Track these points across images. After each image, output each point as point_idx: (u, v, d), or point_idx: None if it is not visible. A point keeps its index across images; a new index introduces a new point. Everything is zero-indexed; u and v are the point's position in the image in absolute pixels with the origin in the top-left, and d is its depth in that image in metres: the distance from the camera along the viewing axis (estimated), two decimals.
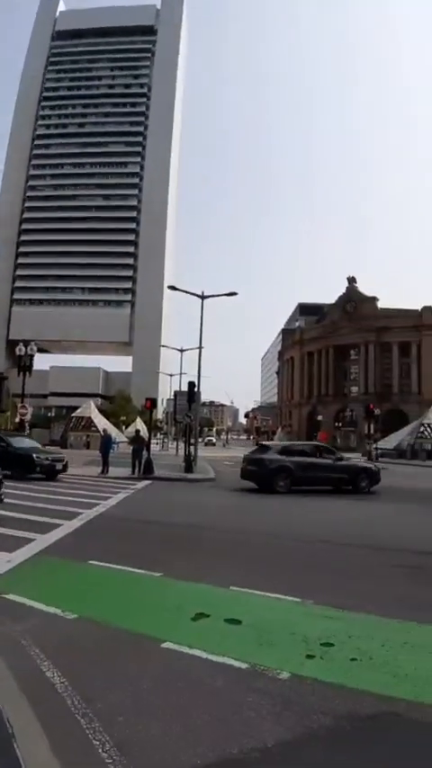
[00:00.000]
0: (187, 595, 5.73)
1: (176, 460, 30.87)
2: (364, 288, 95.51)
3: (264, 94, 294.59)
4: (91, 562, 6.93)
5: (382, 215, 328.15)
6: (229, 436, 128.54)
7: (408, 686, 3.64)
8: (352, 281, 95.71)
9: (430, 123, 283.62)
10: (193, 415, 28.71)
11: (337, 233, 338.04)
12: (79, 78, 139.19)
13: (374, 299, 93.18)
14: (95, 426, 48.09)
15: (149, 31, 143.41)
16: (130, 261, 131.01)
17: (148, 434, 29.53)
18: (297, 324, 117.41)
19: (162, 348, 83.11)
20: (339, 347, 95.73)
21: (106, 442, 23.23)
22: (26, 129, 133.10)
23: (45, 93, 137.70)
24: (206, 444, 75.18)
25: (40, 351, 47.20)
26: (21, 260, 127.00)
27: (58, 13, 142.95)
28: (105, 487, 16.53)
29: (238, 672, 3.85)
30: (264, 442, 30.02)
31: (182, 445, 36.31)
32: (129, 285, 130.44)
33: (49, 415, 79.62)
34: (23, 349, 27.49)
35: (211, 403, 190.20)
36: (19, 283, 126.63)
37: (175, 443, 51.41)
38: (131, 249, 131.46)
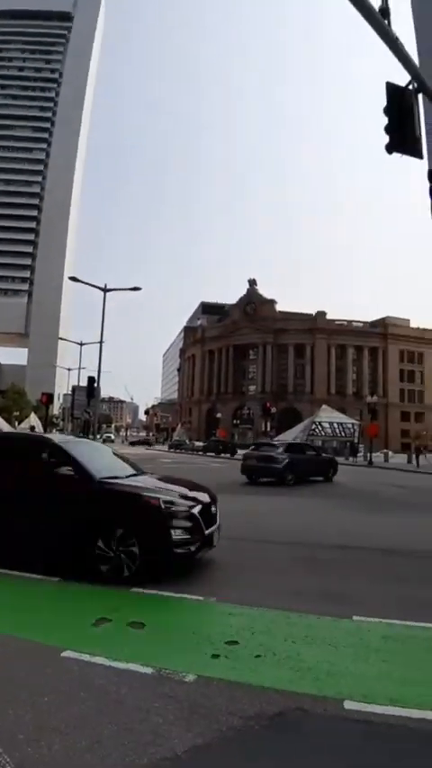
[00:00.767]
0: (87, 600, 5.49)
1: None
2: (264, 290, 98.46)
3: (180, 89, 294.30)
4: None
5: (279, 219, 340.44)
6: (128, 433, 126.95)
7: (311, 680, 3.73)
8: (252, 283, 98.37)
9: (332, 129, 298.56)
10: (92, 411, 27.97)
11: (240, 235, 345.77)
12: None
13: (273, 302, 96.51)
14: None
15: (66, 17, 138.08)
16: (30, 249, 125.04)
17: (42, 431, 28.29)
18: (199, 322, 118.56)
19: (60, 341, 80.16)
20: (239, 347, 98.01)
21: None
22: None
23: None
24: (104, 441, 73.51)
25: None
26: None
27: None
28: None
29: (144, 677, 3.73)
30: (266, 441, 31.02)
31: None
32: (27, 274, 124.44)
33: None
34: None
35: (111, 399, 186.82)
36: None
37: None
38: (32, 237, 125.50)
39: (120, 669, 3.82)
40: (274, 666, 3.96)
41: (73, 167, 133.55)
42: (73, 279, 30.49)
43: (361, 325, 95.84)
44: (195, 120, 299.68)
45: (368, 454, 41.77)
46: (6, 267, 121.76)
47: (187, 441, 66.91)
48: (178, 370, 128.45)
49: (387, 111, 7.84)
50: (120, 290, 30.87)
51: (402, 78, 7.90)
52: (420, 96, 8.03)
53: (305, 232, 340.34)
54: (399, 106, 7.77)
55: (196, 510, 6.56)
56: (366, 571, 7.28)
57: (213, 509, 7.05)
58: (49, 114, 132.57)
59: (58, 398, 69.34)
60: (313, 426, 55.49)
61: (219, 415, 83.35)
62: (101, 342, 30.54)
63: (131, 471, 7.81)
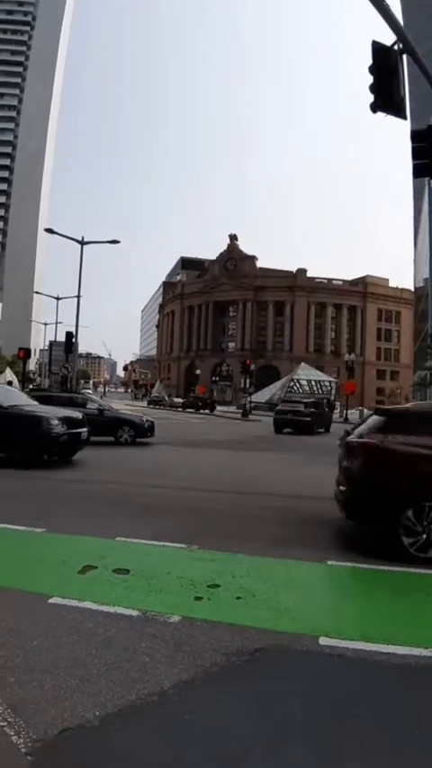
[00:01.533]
0: (72, 549, 5.61)
1: None
2: (245, 246, 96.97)
3: (163, 39, 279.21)
4: None
5: (262, 175, 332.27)
6: (106, 389, 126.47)
7: (289, 620, 3.94)
8: (233, 238, 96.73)
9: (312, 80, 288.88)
10: (70, 367, 27.75)
11: (221, 189, 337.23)
12: None
13: (254, 258, 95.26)
14: None
15: None
16: (3, 199, 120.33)
17: (20, 387, 28.05)
18: (179, 277, 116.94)
19: (36, 295, 78.44)
20: (219, 303, 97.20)
21: None
22: None
23: None
24: None
25: None
26: None
27: None
28: None
29: (130, 619, 3.89)
30: (292, 398, 33.35)
31: None
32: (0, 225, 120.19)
33: None
34: None
35: (88, 354, 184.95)
36: None
37: None
38: (4, 187, 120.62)
39: (107, 612, 3.97)
40: (254, 607, 4.17)
41: (47, 114, 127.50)
42: (49, 231, 29.67)
43: (341, 283, 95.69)
44: (176, 68, 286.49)
45: (344, 411, 42.54)
46: None
47: (166, 397, 67.12)
48: (157, 326, 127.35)
49: (372, 69, 7.86)
50: (97, 242, 30.17)
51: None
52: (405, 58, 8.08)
53: (291, 191, 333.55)
54: (384, 65, 7.81)
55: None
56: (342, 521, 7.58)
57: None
58: (21, 59, 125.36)
59: (35, 354, 68.37)
60: (291, 384, 56.04)
61: (198, 371, 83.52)
62: (78, 296, 30.01)
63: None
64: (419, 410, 8.02)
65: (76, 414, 12.93)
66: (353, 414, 45.07)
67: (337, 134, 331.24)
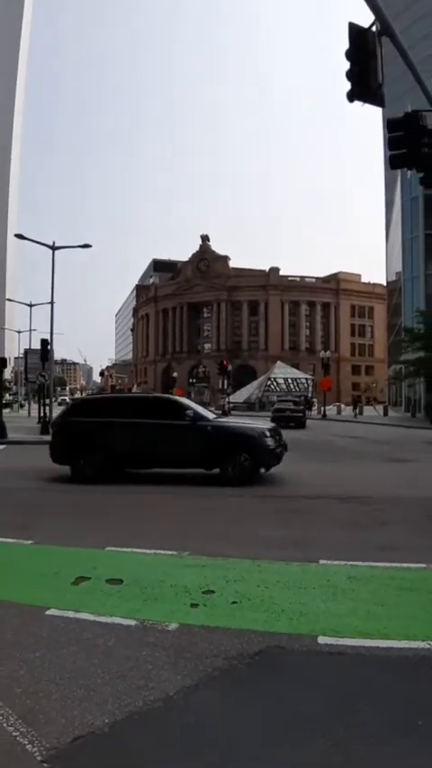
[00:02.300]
0: (63, 561, 5.61)
1: (30, 422, 29.50)
2: (217, 246, 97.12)
3: (138, 29, 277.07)
4: None
5: (233, 174, 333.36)
6: (83, 395, 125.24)
7: (286, 621, 4.02)
8: (205, 239, 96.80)
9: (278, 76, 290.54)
10: (47, 375, 27.47)
11: (191, 189, 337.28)
12: None
13: (226, 258, 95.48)
14: None
15: None
16: None
17: None
18: (151, 280, 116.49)
19: (8, 303, 77.35)
20: (193, 304, 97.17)
21: None
22: None
23: None
24: (60, 404, 72.43)
25: None
26: None
27: None
28: None
29: (128, 629, 3.92)
30: (287, 398, 38.58)
31: (35, 406, 34.67)
32: None
33: None
34: None
35: (64, 361, 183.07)
36: None
37: (26, 405, 48.81)
38: None
39: (105, 623, 4.00)
40: (251, 610, 4.23)
41: (12, 107, 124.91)
42: (19, 236, 29.24)
43: (314, 280, 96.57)
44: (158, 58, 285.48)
45: (322, 407, 42.98)
46: None
47: None
48: (132, 329, 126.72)
49: (349, 54, 7.34)
50: (69, 247, 29.87)
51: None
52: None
53: (261, 190, 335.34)
54: (362, 49, 7.27)
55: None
56: (328, 518, 7.72)
57: None
58: None
59: (10, 362, 67.44)
60: (268, 382, 56.47)
61: (175, 374, 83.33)
62: (52, 302, 29.73)
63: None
64: None
65: (274, 425, 13.22)
66: (330, 409, 45.62)
67: (308, 129, 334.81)
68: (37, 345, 31.65)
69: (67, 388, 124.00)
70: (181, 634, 3.83)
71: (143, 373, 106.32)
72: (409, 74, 8.41)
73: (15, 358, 68.90)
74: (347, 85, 7.47)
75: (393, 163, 8.67)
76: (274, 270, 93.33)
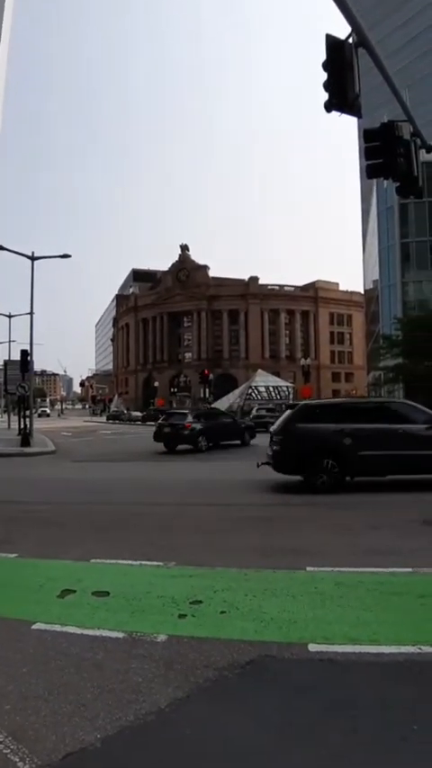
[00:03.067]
0: (48, 574, 5.53)
1: (9, 434, 29.11)
2: (197, 256, 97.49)
3: (124, 23, 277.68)
4: None
5: (214, 186, 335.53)
6: (63, 406, 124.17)
7: (275, 629, 4.00)
8: (185, 248, 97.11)
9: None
10: (27, 386, 27.19)
11: (173, 199, 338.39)
12: None
13: (206, 268, 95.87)
14: None
15: None
16: None
17: None
18: (131, 290, 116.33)
19: None
20: (173, 314, 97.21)
21: None
22: None
23: None
24: (39, 416, 71.70)
25: None
26: None
27: None
28: None
29: (116, 641, 3.86)
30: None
31: (15, 418, 34.21)
32: None
33: None
34: None
35: (43, 372, 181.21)
36: None
37: (6, 416, 48.18)
38: None
39: (92, 636, 3.93)
40: (239, 620, 4.20)
41: None
42: None
43: (293, 289, 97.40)
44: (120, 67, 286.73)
45: None
46: None
47: (125, 411, 66.40)
48: (112, 340, 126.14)
49: (326, 65, 7.36)
50: (48, 257, 29.78)
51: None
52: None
53: (239, 198, 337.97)
54: (339, 61, 7.30)
55: None
56: (311, 525, 7.73)
57: None
58: None
59: None
60: (249, 391, 56.48)
61: (156, 383, 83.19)
62: (31, 313, 29.53)
63: None
64: None
65: None
66: None
67: (287, 141, 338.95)
68: (16, 356, 31.30)
69: (48, 399, 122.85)
70: (170, 645, 3.78)
71: (124, 383, 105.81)
72: (385, 85, 8.56)
73: None
74: (325, 96, 7.56)
75: (370, 173, 8.79)
76: (254, 279, 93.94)
